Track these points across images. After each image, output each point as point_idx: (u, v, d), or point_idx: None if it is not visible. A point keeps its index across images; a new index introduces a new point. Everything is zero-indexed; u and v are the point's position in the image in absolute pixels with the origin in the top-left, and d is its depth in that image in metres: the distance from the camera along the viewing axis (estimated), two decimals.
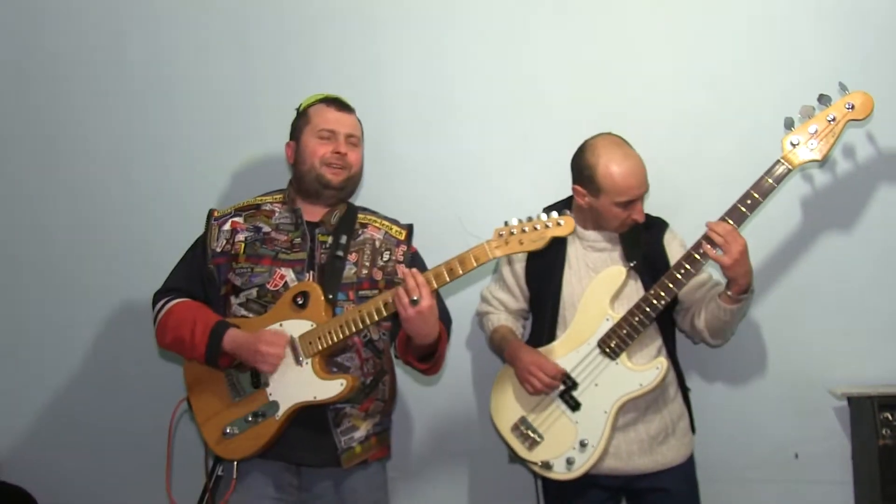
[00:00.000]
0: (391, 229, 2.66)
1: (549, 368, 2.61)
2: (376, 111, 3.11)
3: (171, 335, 2.52)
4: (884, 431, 2.74)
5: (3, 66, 3.34)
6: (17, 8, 3.31)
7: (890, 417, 2.75)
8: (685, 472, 2.73)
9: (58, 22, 3.30)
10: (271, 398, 2.46)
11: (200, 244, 2.63)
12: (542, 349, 2.68)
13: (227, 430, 2.48)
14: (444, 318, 2.62)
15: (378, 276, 2.57)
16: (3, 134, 3.35)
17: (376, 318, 2.39)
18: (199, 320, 2.48)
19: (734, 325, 2.70)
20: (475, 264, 2.33)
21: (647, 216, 2.73)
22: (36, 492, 3.27)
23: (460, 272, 2.33)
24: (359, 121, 2.68)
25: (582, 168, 2.65)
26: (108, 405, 3.29)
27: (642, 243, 2.70)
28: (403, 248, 2.64)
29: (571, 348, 2.65)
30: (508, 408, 2.72)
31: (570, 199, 2.80)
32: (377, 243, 2.61)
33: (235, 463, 2.49)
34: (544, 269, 2.75)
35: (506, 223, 2.32)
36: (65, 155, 3.32)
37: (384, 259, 2.60)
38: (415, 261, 2.64)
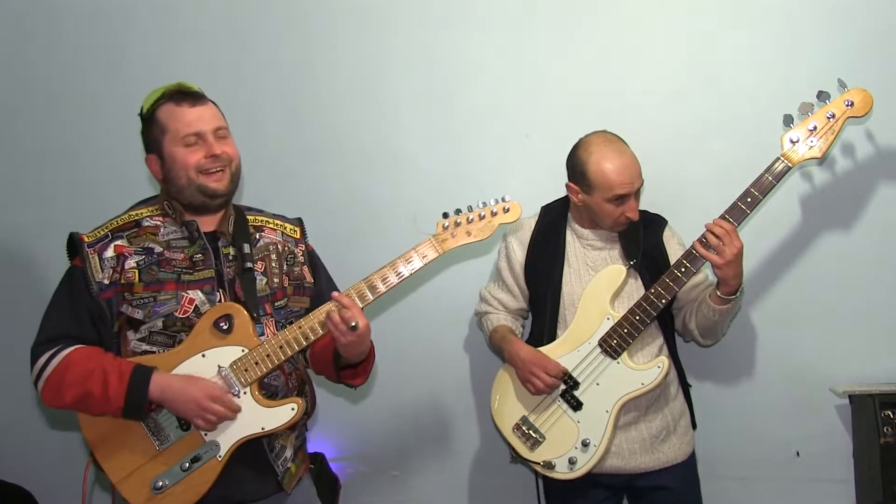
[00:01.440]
0: (285, 228, 2.42)
1: (550, 368, 2.61)
2: (378, 112, 3.16)
3: (71, 392, 2.13)
4: (885, 429, 2.75)
5: (3, 67, 3.34)
6: (18, 8, 3.31)
7: (891, 415, 2.76)
8: (686, 470, 2.73)
9: (59, 20, 3.30)
10: (209, 438, 2.19)
11: (80, 278, 2.21)
12: (542, 348, 2.68)
13: (159, 485, 2.17)
14: None
15: (286, 282, 2.34)
16: (3, 134, 3.35)
17: (320, 333, 2.20)
18: (109, 369, 2.12)
19: (724, 326, 2.71)
20: (423, 261, 2.21)
21: (646, 213, 2.73)
22: (35, 490, 3.27)
23: (407, 273, 2.20)
24: (214, 103, 2.31)
25: (574, 165, 2.66)
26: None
27: (641, 241, 2.69)
28: (302, 247, 2.42)
29: (572, 347, 2.65)
30: (510, 408, 2.72)
31: (567, 197, 2.80)
32: (279, 246, 2.37)
33: None
34: (544, 268, 2.75)
35: (445, 215, 2.23)
36: (65, 156, 3.31)
37: (289, 263, 2.37)
38: (313, 259, 2.45)
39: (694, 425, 2.77)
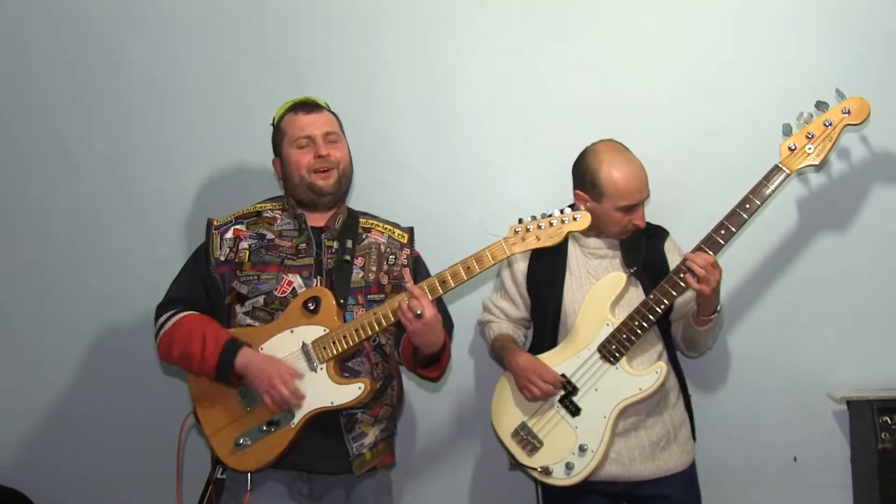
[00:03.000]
0: (394, 233, 2.65)
1: (547, 374, 2.62)
2: (377, 114, 3.16)
3: (178, 349, 2.45)
4: (883, 435, 2.75)
5: (3, 67, 3.34)
6: (18, 9, 3.31)
7: (889, 421, 2.76)
8: (687, 479, 2.73)
9: (60, 21, 3.30)
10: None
11: (203, 253, 2.57)
12: (542, 355, 2.69)
13: (241, 441, 2.43)
14: (447, 323, 2.62)
15: (385, 280, 2.56)
16: (3, 135, 3.34)
17: (387, 323, 2.38)
18: (209, 334, 2.42)
19: (709, 341, 2.74)
20: (492, 262, 2.32)
21: (648, 224, 2.74)
22: (34, 496, 3.26)
23: (477, 270, 2.33)
24: (333, 114, 2.63)
25: (584, 173, 2.67)
26: (107, 410, 3.28)
27: (643, 250, 2.71)
28: (407, 251, 2.63)
29: (572, 353, 2.65)
30: (508, 414, 2.72)
31: (572, 206, 2.82)
32: (382, 247, 2.60)
33: (249, 474, 2.43)
34: (545, 276, 2.76)
35: (520, 220, 2.32)
36: (65, 157, 3.31)
37: (390, 263, 2.58)
38: (418, 264, 2.65)
39: (694, 437, 2.77)
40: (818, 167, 2.55)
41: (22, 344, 3.33)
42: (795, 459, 3.00)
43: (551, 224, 2.30)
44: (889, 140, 2.86)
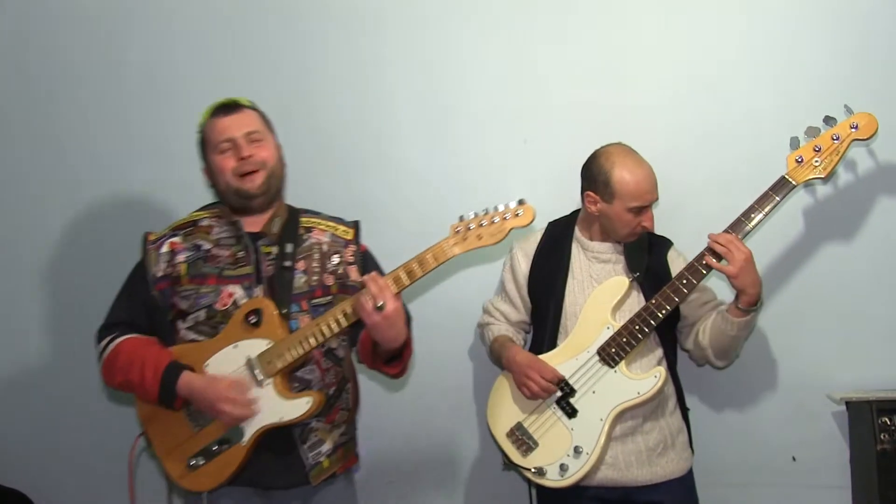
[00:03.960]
0: (337, 230, 2.54)
1: (546, 372, 2.62)
2: (377, 114, 3.14)
3: (119, 376, 2.39)
4: (882, 436, 2.75)
5: (1, 66, 3.33)
6: (17, 8, 3.29)
7: (888, 422, 2.76)
8: (685, 486, 2.73)
9: (58, 20, 3.28)
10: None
11: (139, 271, 2.48)
12: (541, 356, 2.69)
13: (192, 462, 2.37)
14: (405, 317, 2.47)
15: (330, 281, 2.47)
16: (2, 134, 3.34)
17: (336, 329, 2.31)
18: (147, 362, 2.35)
19: (740, 344, 2.71)
20: (434, 264, 2.25)
21: (651, 234, 2.74)
22: (33, 495, 3.27)
23: (419, 273, 2.25)
24: (259, 112, 2.51)
25: (596, 174, 2.66)
26: (108, 410, 3.29)
27: (646, 256, 2.70)
28: (353, 248, 2.52)
29: (571, 355, 2.66)
30: (504, 413, 2.73)
31: (574, 213, 2.80)
32: (325, 247, 2.49)
33: (204, 494, 2.38)
34: (547, 279, 2.76)
35: (461, 218, 2.25)
36: (65, 156, 3.30)
37: (334, 263, 2.48)
38: (366, 259, 2.55)
39: (692, 449, 2.77)
40: (824, 180, 2.54)
41: (22, 343, 3.34)
42: (794, 460, 3.01)
43: (493, 221, 2.22)
44: (889, 142, 2.82)
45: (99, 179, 3.27)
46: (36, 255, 3.31)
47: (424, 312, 3.06)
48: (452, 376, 3.15)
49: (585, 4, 3.05)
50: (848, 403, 2.91)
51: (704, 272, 2.54)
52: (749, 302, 2.55)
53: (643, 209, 2.64)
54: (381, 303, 2.21)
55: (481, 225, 2.23)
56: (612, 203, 2.64)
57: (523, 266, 2.81)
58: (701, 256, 2.53)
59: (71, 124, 3.28)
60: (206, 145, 2.47)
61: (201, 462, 2.37)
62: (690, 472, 2.75)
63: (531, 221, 2.22)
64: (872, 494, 2.77)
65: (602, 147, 2.71)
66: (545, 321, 2.75)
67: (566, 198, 2.81)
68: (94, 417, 3.30)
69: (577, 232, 2.78)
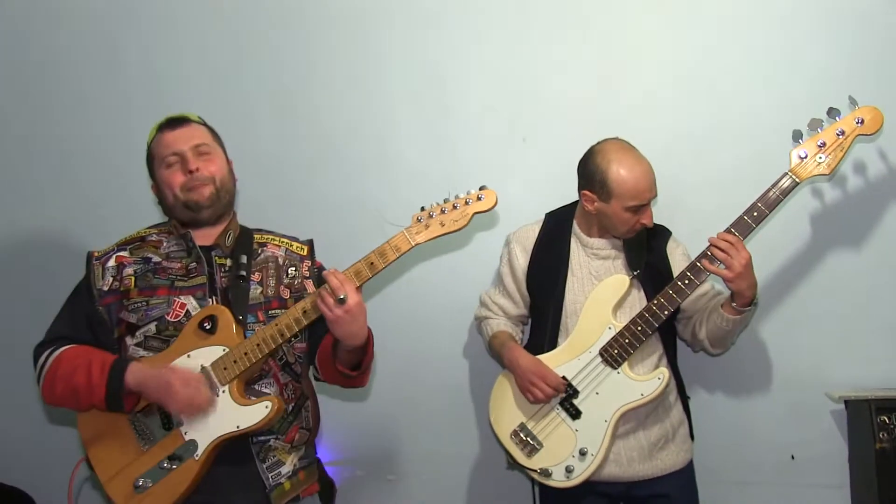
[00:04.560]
0: (291, 245, 2.48)
1: (550, 378, 2.60)
2: (376, 113, 3.13)
3: (61, 385, 2.24)
4: (881, 435, 2.75)
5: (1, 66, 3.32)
6: (15, 8, 3.27)
7: (887, 421, 2.75)
8: (685, 478, 2.73)
9: (54, 22, 3.27)
10: (187, 437, 2.22)
11: (83, 287, 2.37)
12: (543, 356, 2.67)
13: (140, 483, 2.20)
14: None
15: (286, 294, 2.38)
16: (2, 134, 3.33)
17: (296, 328, 2.23)
18: (93, 361, 2.22)
19: (736, 335, 2.70)
20: (396, 255, 2.20)
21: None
22: (34, 492, 3.26)
23: (381, 266, 2.20)
24: (204, 124, 2.44)
25: (592, 173, 2.62)
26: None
27: (646, 252, 2.68)
28: (308, 263, 2.46)
29: (573, 356, 2.64)
30: (508, 414, 2.71)
31: (573, 204, 2.77)
32: (280, 260, 2.42)
33: None
34: (547, 276, 2.73)
35: (422, 208, 2.23)
36: (63, 156, 3.30)
37: (290, 276, 2.41)
38: (321, 275, 2.40)
39: (692, 437, 2.77)
40: (828, 177, 2.52)
41: (22, 343, 3.27)
42: (793, 458, 3.01)
43: (455, 207, 2.20)
44: (890, 140, 2.82)
45: (98, 179, 3.27)
46: (35, 254, 3.31)
47: (418, 310, 3.10)
48: (448, 373, 3.14)
49: (585, 4, 3.04)
50: (847, 402, 2.91)
51: (706, 272, 2.52)
52: (744, 303, 2.54)
53: (642, 207, 2.61)
54: (343, 295, 2.15)
55: (443, 212, 2.21)
56: (609, 202, 2.60)
57: (521, 261, 2.78)
58: (703, 256, 2.51)
59: (70, 124, 3.28)
60: (154, 161, 2.39)
61: (149, 483, 2.21)
62: (690, 464, 2.75)
63: (494, 205, 2.21)
64: (871, 493, 2.76)
65: (598, 144, 2.67)
66: (545, 319, 2.73)
67: (565, 196, 2.80)
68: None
69: (576, 227, 2.75)
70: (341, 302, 2.15)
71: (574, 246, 2.74)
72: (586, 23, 3.04)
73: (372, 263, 2.21)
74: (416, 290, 3.12)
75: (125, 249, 2.39)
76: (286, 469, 2.33)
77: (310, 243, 2.51)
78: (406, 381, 3.13)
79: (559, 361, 2.64)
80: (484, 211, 2.22)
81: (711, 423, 2.97)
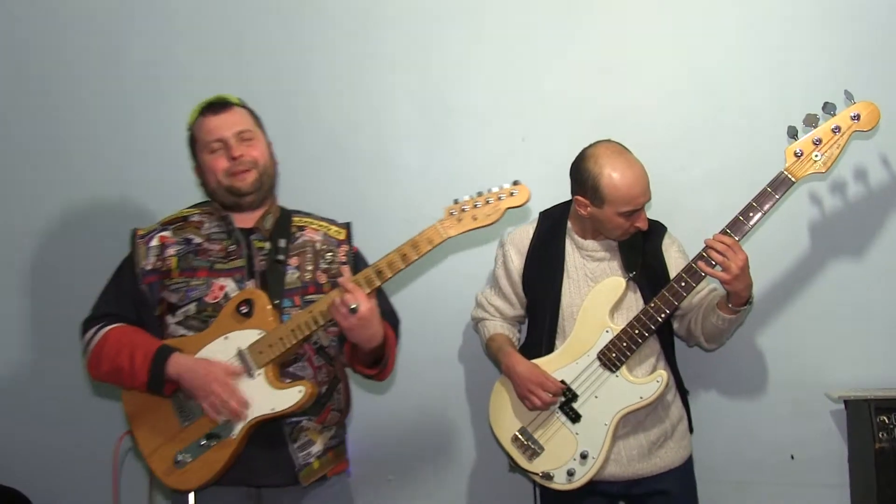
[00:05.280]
0: (329, 230, 2.53)
1: (548, 385, 2.59)
2: (375, 112, 3.13)
3: (106, 365, 2.33)
4: (880, 435, 2.74)
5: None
6: (14, 8, 3.27)
7: (886, 421, 2.75)
8: (684, 474, 2.72)
9: (55, 20, 3.26)
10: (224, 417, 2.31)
11: (127, 265, 2.45)
12: (540, 360, 2.65)
13: (179, 459, 2.30)
14: (392, 319, 2.53)
15: (323, 279, 2.45)
16: (1, 133, 3.32)
17: (329, 316, 2.27)
18: (137, 346, 2.31)
19: (731, 332, 2.69)
20: (429, 247, 2.23)
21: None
22: (31, 494, 3.26)
23: (414, 257, 2.23)
24: (247, 109, 2.49)
25: (584, 178, 2.58)
26: (106, 409, 3.25)
27: (641, 253, 2.66)
28: (345, 248, 2.51)
29: (571, 360, 2.62)
30: (508, 419, 2.70)
31: (567, 203, 2.76)
32: (318, 245, 2.48)
33: (192, 494, 2.31)
34: (542, 279, 2.71)
35: (456, 201, 2.23)
36: (61, 156, 3.29)
37: (327, 261, 2.47)
38: (358, 260, 2.52)
39: (691, 429, 2.76)
40: (825, 175, 2.50)
41: (20, 343, 3.33)
42: (793, 458, 3.00)
43: (488, 202, 2.21)
44: (887, 140, 2.81)
45: (97, 179, 3.26)
46: (34, 254, 3.30)
47: (416, 311, 3.09)
48: (447, 374, 3.15)
49: (583, 4, 3.04)
50: (846, 402, 2.91)
51: (703, 274, 2.50)
52: (739, 303, 2.52)
53: (635, 212, 2.58)
54: (354, 305, 2.20)
55: (476, 206, 2.22)
56: (602, 208, 2.57)
57: (516, 263, 2.76)
58: (699, 258, 2.49)
59: (70, 123, 3.27)
60: (196, 144, 2.45)
61: (188, 459, 2.30)
62: (690, 460, 2.74)
63: (527, 200, 2.22)
64: (870, 493, 2.75)
65: (589, 147, 2.63)
66: (541, 321, 2.71)
67: (564, 196, 2.78)
68: (92, 416, 3.28)
69: (570, 227, 2.73)
70: (353, 311, 2.19)
71: (569, 248, 2.72)
72: (586, 22, 3.03)
73: (405, 255, 2.24)
74: (413, 292, 3.12)
75: (168, 229, 2.45)
76: (316, 449, 2.40)
77: (347, 226, 2.56)
78: (405, 381, 3.12)
79: (557, 365, 2.63)
80: (517, 206, 2.22)
81: (711, 423, 2.96)
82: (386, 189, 3.11)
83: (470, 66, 3.09)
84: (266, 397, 2.29)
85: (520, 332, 2.89)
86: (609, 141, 2.63)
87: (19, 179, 3.30)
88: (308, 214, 2.57)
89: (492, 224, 2.23)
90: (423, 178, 3.12)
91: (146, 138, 3.22)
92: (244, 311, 2.32)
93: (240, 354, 2.31)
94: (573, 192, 2.66)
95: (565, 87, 3.04)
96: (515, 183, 2.21)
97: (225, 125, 2.40)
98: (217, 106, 2.43)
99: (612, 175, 2.53)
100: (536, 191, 2.91)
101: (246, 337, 2.31)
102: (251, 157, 2.41)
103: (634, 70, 3.01)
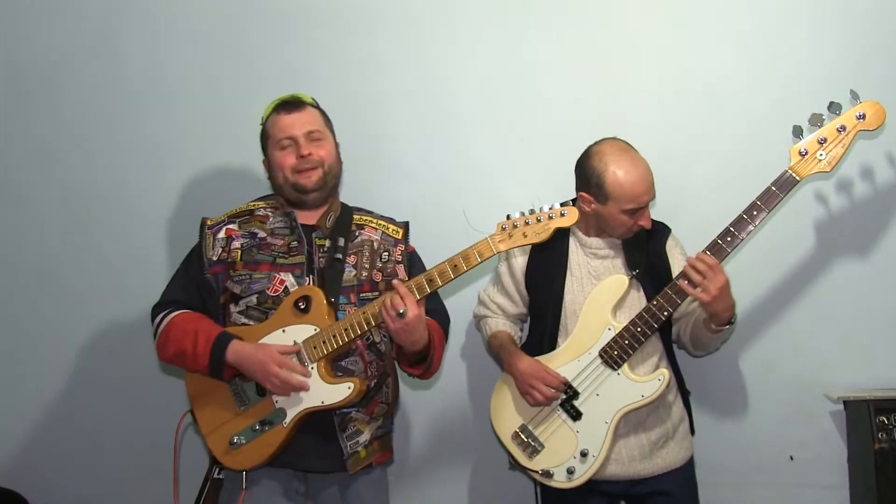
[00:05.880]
0: (388, 228, 2.62)
1: (549, 380, 2.58)
2: (373, 112, 3.12)
3: (172, 348, 2.47)
4: (880, 435, 2.74)
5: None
6: (13, 7, 3.26)
7: (886, 421, 2.75)
8: (685, 474, 2.72)
9: (54, 20, 3.25)
10: (278, 405, 2.43)
11: (196, 254, 2.57)
12: (542, 357, 2.65)
13: (235, 440, 2.44)
14: (442, 319, 2.62)
15: (378, 277, 2.54)
16: None
17: (381, 318, 2.37)
18: (200, 332, 2.43)
19: (717, 346, 2.73)
20: (479, 260, 2.31)
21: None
22: (29, 496, 3.26)
23: (464, 268, 2.31)
24: (320, 109, 2.60)
25: (589, 175, 2.59)
26: (104, 410, 3.28)
27: (645, 251, 2.66)
28: (401, 247, 2.60)
29: (573, 357, 2.62)
30: (509, 416, 2.69)
31: (572, 201, 2.75)
32: (375, 244, 2.57)
33: (244, 473, 2.45)
34: (545, 276, 2.71)
35: (508, 217, 2.30)
36: (60, 156, 3.28)
37: (383, 260, 2.56)
38: (413, 260, 2.61)
39: (692, 431, 2.76)
40: (830, 174, 2.50)
41: (18, 343, 3.32)
42: (792, 459, 3.00)
43: (538, 220, 2.27)
44: (888, 139, 2.81)
45: (96, 180, 3.25)
46: (32, 255, 3.30)
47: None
48: (448, 373, 3.14)
49: (582, 4, 3.03)
50: (846, 403, 2.90)
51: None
52: (721, 323, 2.54)
53: (639, 210, 2.58)
54: (403, 310, 2.29)
55: (527, 223, 2.28)
56: (606, 205, 2.58)
57: (520, 260, 2.77)
58: (681, 275, 2.50)
59: (65, 123, 3.26)
60: (268, 139, 2.55)
61: (243, 441, 2.43)
62: (691, 461, 2.74)
63: (575, 222, 2.28)
64: (870, 494, 2.76)
65: (595, 144, 2.64)
66: (543, 318, 2.71)
67: (563, 197, 2.74)
68: (90, 417, 3.28)
69: (574, 226, 2.72)
70: (401, 316, 2.29)
71: (572, 245, 2.72)
72: (584, 23, 3.03)
73: (455, 265, 2.32)
74: None
75: (234, 222, 2.56)
76: (363, 438, 2.51)
77: (405, 226, 2.65)
78: (405, 380, 3.07)
79: (559, 363, 2.62)
80: (565, 227, 2.29)
81: (710, 423, 2.97)
82: (384, 190, 3.10)
83: (468, 68, 3.09)
84: (318, 390, 2.40)
85: (522, 330, 2.88)
86: (614, 138, 2.64)
87: (18, 180, 3.31)
88: (370, 213, 2.66)
89: (541, 242, 2.30)
90: (421, 181, 3.12)
91: (146, 139, 3.23)
92: (302, 306, 2.42)
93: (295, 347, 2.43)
94: (577, 189, 2.66)
95: (564, 87, 3.04)
96: (564, 204, 2.27)
97: (296, 124, 2.51)
98: (291, 105, 2.54)
99: (616, 172, 2.54)
100: (535, 191, 2.95)
101: (302, 331, 2.42)
102: (318, 156, 2.51)
103: (634, 71, 3.00)
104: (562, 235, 2.71)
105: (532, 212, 2.29)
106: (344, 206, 2.63)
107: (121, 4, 3.21)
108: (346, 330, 2.38)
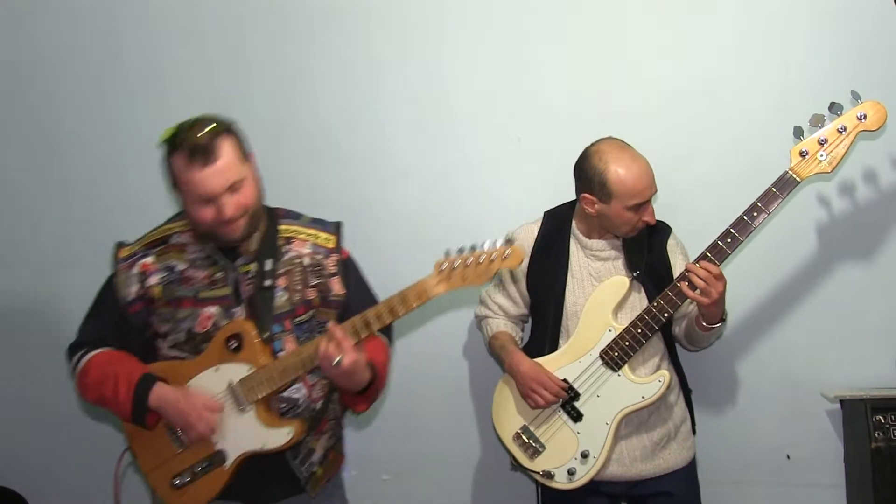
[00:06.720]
0: (318, 238, 2.38)
1: (550, 384, 2.58)
2: (371, 113, 3.11)
3: (92, 392, 2.32)
4: (876, 434, 2.76)
5: None
6: (11, 7, 3.25)
7: (882, 420, 2.76)
8: (687, 475, 2.73)
9: (52, 21, 3.24)
10: (217, 447, 2.29)
11: (109, 290, 2.36)
12: (543, 359, 2.65)
13: (176, 482, 2.31)
14: (387, 333, 2.44)
15: (311, 294, 2.34)
16: None
17: (311, 366, 2.24)
18: (121, 376, 2.26)
19: (710, 343, 2.75)
20: (417, 303, 2.16)
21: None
22: (29, 496, 3.26)
23: (402, 312, 2.17)
24: (230, 135, 2.22)
25: (590, 175, 2.58)
26: (104, 410, 3.17)
27: (646, 252, 2.65)
28: (335, 257, 2.37)
29: (573, 358, 2.62)
30: (510, 417, 2.69)
31: (571, 203, 2.75)
32: (305, 260, 2.35)
33: None
34: (547, 277, 2.71)
35: (446, 254, 2.13)
36: (58, 156, 3.28)
37: (317, 277, 2.36)
38: (348, 268, 2.40)
39: (694, 430, 2.77)
40: (830, 175, 2.50)
41: (18, 343, 3.32)
42: (789, 458, 3.01)
43: (479, 262, 2.10)
44: (890, 140, 2.81)
45: (95, 180, 3.25)
46: (31, 257, 3.29)
47: (418, 310, 3.04)
48: (448, 373, 3.14)
49: (581, 4, 3.02)
50: (842, 402, 2.92)
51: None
52: (712, 322, 2.56)
53: (643, 205, 2.58)
54: (338, 359, 2.12)
55: (467, 265, 2.11)
56: (610, 203, 2.57)
57: (522, 262, 2.75)
58: (682, 278, 2.51)
59: (64, 123, 3.26)
60: (178, 184, 2.23)
61: (186, 479, 2.32)
62: (693, 462, 2.74)
63: (519, 263, 2.12)
64: (866, 492, 2.77)
65: (593, 145, 2.63)
66: (545, 319, 2.71)
67: (561, 196, 2.77)
68: (89, 417, 3.28)
69: (575, 227, 2.72)
70: (336, 364, 2.13)
71: (573, 247, 2.71)
72: (582, 23, 3.02)
73: (392, 309, 2.17)
74: None
75: (150, 255, 2.33)
76: (317, 456, 2.39)
77: (337, 231, 2.40)
78: (407, 378, 3.11)
79: (560, 364, 2.62)
80: (508, 269, 2.20)
81: (707, 422, 2.97)
82: (383, 189, 3.10)
83: (467, 67, 3.08)
84: (257, 434, 2.26)
85: (523, 330, 2.88)
86: (611, 138, 2.63)
87: (17, 181, 3.31)
88: (297, 219, 2.42)
89: (480, 285, 2.15)
90: (419, 181, 3.11)
91: (144, 139, 3.12)
92: (233, 345, 2.26)
93: (230, 388, 2.27)
94: (578, 191, 2.65)
95: (562, 88, 3.03)
96: (509, 241, 2.12)
97: (213, 179, 2.17)
98: (204, 155, 2.15)
99: (618, 170, 2.53)
100: (532, 191, 2.95)
101: (237, 371, 2.27)
102: (242, 205, 2.22)
103: (632, 71, 3.00)
104: (563, 237, 2.72)
105: (473, 249, 2.12)
106: (268, 213, 2.37)
107: (120, 5, 3.20)
108: (281, 373, 2.23)
